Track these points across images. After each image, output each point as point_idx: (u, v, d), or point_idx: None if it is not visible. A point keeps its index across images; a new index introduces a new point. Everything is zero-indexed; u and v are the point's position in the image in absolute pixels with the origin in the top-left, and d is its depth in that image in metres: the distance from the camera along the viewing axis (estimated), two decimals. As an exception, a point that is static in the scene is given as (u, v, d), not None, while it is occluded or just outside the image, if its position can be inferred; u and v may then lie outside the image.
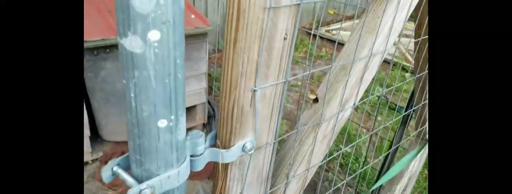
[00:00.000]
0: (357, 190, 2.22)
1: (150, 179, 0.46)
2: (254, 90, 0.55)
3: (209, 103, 2.70)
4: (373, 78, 0.85)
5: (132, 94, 0.40)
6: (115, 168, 0.48)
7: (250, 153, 0.60)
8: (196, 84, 2.43)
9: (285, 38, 0.54)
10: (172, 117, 0.43)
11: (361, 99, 0.86)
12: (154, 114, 0.42)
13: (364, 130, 2.94)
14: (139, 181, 0.47)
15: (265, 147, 0.65)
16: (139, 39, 0.37)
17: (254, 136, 0.60)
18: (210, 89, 2.76)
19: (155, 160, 0.46)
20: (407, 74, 4.04)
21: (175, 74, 0.41)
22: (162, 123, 0.43)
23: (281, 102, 0.62)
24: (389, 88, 0.94)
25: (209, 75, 2.81)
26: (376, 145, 2.74)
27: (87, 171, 2.10)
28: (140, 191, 0.45)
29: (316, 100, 0.78)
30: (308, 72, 0.65)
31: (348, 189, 2.34)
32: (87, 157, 2.09)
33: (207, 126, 2.74)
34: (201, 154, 0.56)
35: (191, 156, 0.55)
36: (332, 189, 1.02)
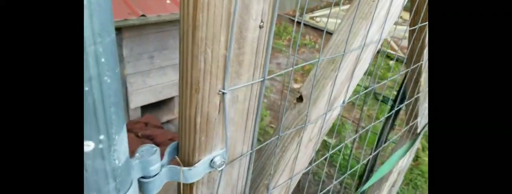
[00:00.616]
0: (343, 184, 2.14)
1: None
2: (223, 93, 0.43)
3: (188, 94, 2.57)
4: (365, 72, 0.74)
5: (38, 108, 0.28)
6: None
7: (220, 169, 0.49)
8: (173, 75, 2.29)
9: (261, 26, 0.41)
10: (101, 137, 0.31)
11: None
12: (72, 135, 0.29)
13: (349, 121, 2.87)
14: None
15: (239, 160, 0.53)
16: (36, 27, 0.24)
17: (225, 148, 0.49)
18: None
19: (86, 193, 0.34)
20: (391, 62, 3.97)
21: (99, 78, 0.28)
22: (88, 146, 0.30)
23: (259, 103, 0.50)
24: (381, 83, 0.83)
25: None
26: (361, 135, 2.67)
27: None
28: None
29: (300, 99, 0.67)
30: (292, 68, 0.54)
31: (332, 182, 2.27)
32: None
33: (186, 118, 2.62)
34: (156, 175, 0.44)
35: (143, 177, 0.43)
36: (330, 191, 0.92)
